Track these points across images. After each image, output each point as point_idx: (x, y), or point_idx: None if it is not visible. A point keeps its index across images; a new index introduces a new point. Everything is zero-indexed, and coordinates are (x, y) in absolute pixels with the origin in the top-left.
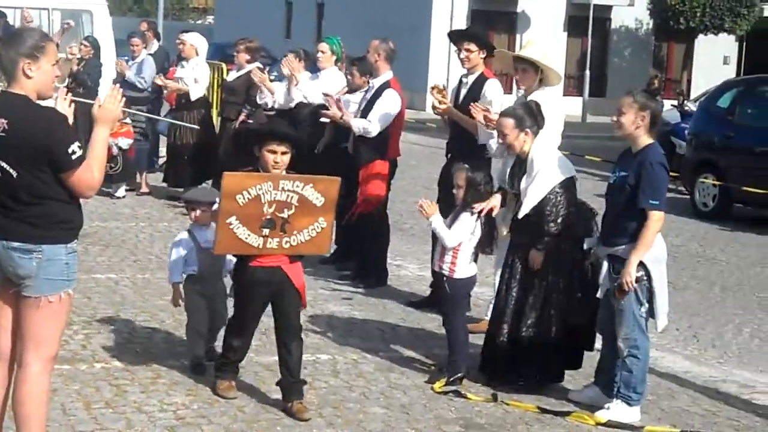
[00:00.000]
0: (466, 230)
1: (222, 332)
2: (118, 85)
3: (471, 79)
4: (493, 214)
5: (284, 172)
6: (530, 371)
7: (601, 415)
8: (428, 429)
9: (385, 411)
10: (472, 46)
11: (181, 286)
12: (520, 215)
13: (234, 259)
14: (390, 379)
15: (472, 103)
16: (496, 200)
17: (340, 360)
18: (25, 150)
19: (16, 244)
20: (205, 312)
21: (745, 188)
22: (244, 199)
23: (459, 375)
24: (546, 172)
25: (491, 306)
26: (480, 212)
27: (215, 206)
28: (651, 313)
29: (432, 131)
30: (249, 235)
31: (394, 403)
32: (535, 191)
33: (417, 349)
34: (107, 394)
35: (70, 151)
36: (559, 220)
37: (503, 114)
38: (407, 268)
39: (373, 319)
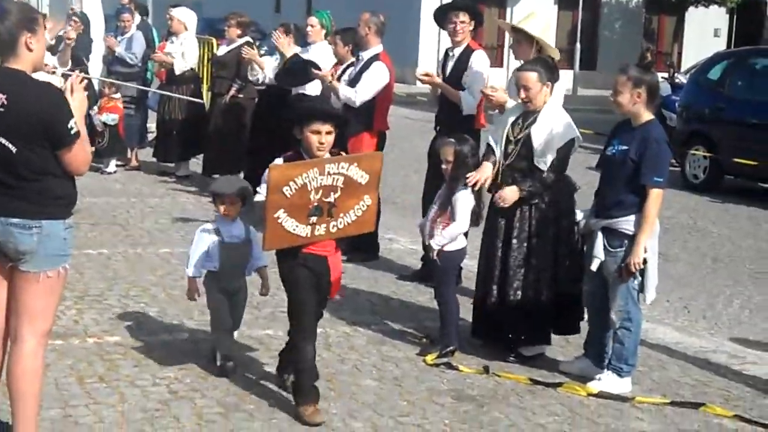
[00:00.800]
0: (468, 207)
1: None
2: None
3: (457, 51)
4: (486, 184)
5: (328, 154)
6: (518, 333)
7: (593, 386)
8: (420, 401)
9: (377, 383)
10: (466, 18)
11: (199, 281)
12: (542, 165)
13: (264, 258)
14: (382, 351)
15: (467, 86)
16: (487, 170)
17: (332, 333)
18: (24, 125)
19: (15, 220)
20: (227, 309)
21: (735, 160)
22: (291, 190)
23: (451, 347)
24: (561, 125)
25: None
26: (474, 185)
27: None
28: (642, 287)
29: (422, 105)
30: (297, 225)
31: (387, 375)
32: (551, 142)
33: (408, 322)
34: (100, 368)
35: (69, 126)
36: (553, 175)
37: (525, 69)
38: (399, 242)
39: (364, 292)
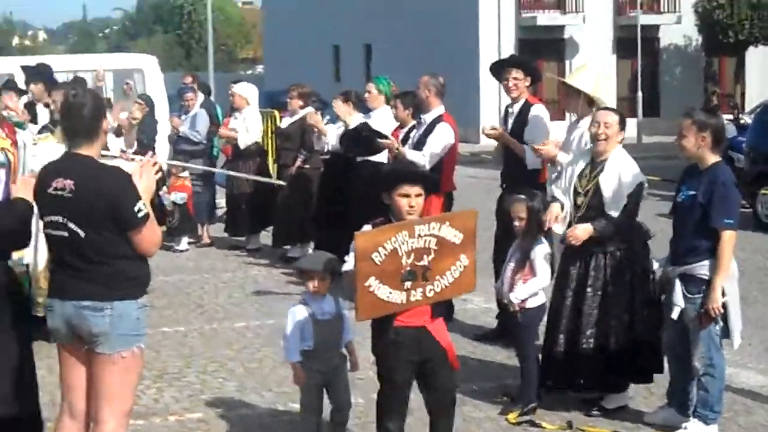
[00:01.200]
0: (548, 260)
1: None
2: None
3: (516, 107)
4: (559, 221)
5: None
6: (591, 380)
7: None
8: None
9: None
10: (519, 74)
11: (299, 364)
12: (613, 212)
13: (351, 332)
14: (464, 412)
15: (528, 141)
16: (556, 209)
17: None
18: (93, 210)
19: (87, 303)
20: (320, 390)
21: None
22: (380, 256)
23: (533, 404)
24: (629, 172)
25: None
26: (549, 230)
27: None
28: (725, 331)
29: (486, 163)
30: (391, 292)
31: None
32: (620, 189)
33: (488, 382)
34: None
35: (136, 209)
36: (629, 218)
37: (608, 110)
38: (473, 302)
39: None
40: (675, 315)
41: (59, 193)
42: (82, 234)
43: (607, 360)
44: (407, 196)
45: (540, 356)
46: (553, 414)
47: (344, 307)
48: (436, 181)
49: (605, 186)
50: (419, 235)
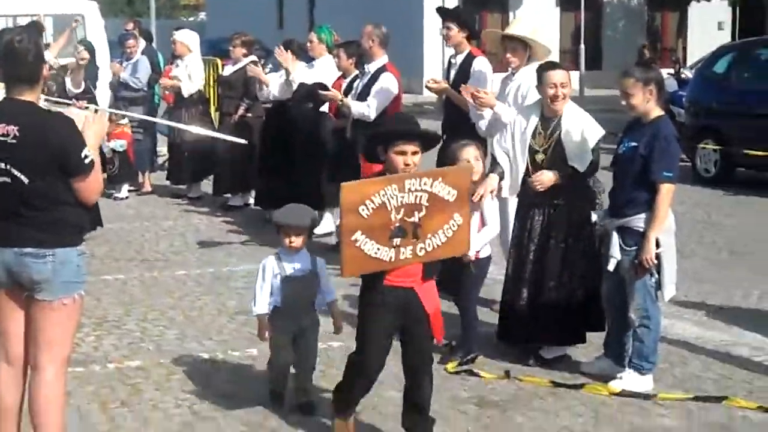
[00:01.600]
0: (497, 210)
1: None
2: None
3: (459, 59)
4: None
5: None
6: (552, 333)
7: (615, 385)
8: (443, 409)
9: (399, 394)
10: (452, 25)
11: (266, 317)
12: (580, 167)
13: (332, 293)
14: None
15: (462, 85)
16: (493, 182)
17: (352, 346)
18: (38, 156)
19: (29, 250)
20: (290, 349)
21: (746, 151)
22: (367, 209)
23: (473, 354)
24: (589, 125)
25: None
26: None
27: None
28: (659, 284)
29: (429, 114)
30: (378, 249)
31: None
32: (585, 143)
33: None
34: (122, 393)
35: (83, 155)
36: (594, 171)
37: (556, 68)
38: None
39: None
40: (611, 267)
41: (2, 139)
42: (25, 180)
43: (567, 312)
44: (403, 153)
45: (499, 310)
46: (492, 363)
47: (321, 265)
48: (436, 137)
49: (567, 142)
50: (410, 190)
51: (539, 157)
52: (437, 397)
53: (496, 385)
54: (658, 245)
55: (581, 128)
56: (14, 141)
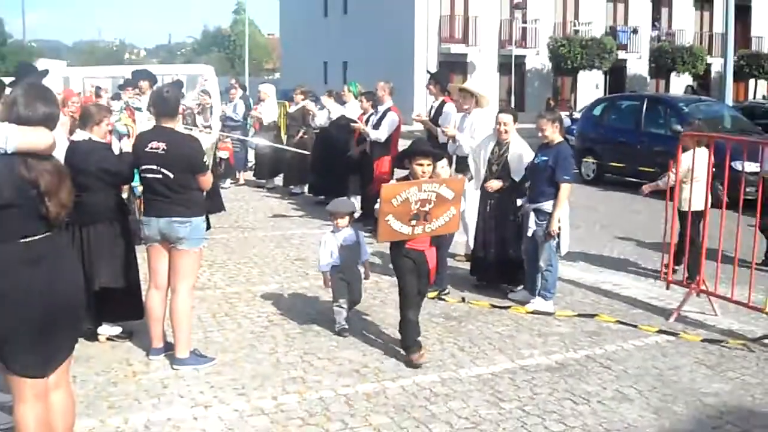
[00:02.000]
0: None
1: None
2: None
3: (436, 104)
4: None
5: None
6: (513, 277)
7: (530, 307)
8: (423, 320)
9: (395, 311)
10: (433, 83)
11: (327, 272)
12: (517, 178)
13: (367, 254)
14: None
15: (441, 125)
16: (444, 173)
17: (366, 282)
18: (178, 161)
19: (176, 219)
20: (345, 292)
21: (611, 164)
22: (397, 201)
23: (444, 287)
24: (526, 152)
25: (468, 243)
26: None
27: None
28: (558, 245)
29: (418, 138)
30: (402, 226)
31: None
32: (521, 163)
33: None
34: (225, 308)
35: (205, 161)
36: (524, 180)
37: (505, 112)
38: None
39: (386, 254)
40: (530, 234)
41: (154, 150)
42: (171, 176)
43: (513, 261)
44: (422, 165)
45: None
46: (454, 293)
47: (362, 236)
48: (441, 155)
49: (512, 162)
50: (425, 190)
51: (494, 167)
52: (421, 315)
53: (456, 306)
54: (559, 222)
55: (520, 154)
56: (164, 152)
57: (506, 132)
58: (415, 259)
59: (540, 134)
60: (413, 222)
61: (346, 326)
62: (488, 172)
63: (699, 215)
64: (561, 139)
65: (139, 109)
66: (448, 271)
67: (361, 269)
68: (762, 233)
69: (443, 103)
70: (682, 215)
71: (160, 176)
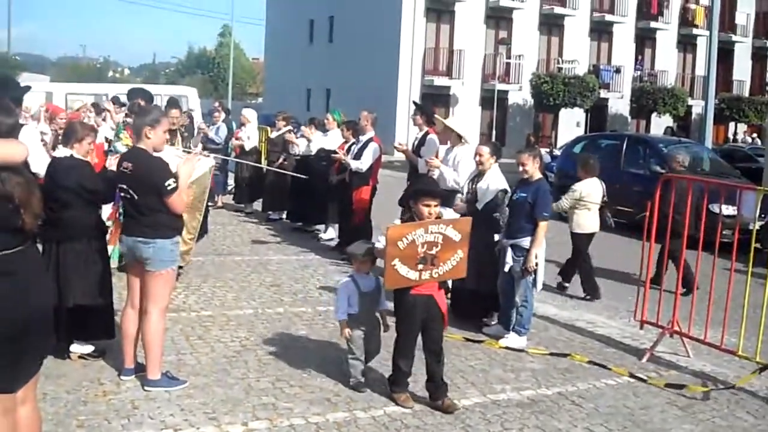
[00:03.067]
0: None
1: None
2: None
3: (420, 135)
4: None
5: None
6: (488, 308)
7: (503, 342)
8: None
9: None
10: (419, 114)
11: (345, 321)
12: (479, 206)
13: (385, 303)
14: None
15: (423, 156)
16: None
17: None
18: (140, 182)
19: (140, 239)
20: (362, 344)
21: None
22: (403, 244)
23: None
24: (493, 183)
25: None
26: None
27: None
28: (535, 281)
29: (396, 167)
30: (409, 271)
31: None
32: (487, 193)
33: (390, 302)
34: (199, 331)
35: (166, 184)
36: (494, 210)
37: (484, 144)
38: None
39: None
40: (506, 269)
41: (124, 170)
42: (136, 196)
43: (488, 295)
44: (428, 206)
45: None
46: None
47: (382, 284)
48: (448, 196)
49: (479, 191)
50: (431, 232)
51: (469, 194)
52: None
53: None
54: (536, 258)
55: (488, 185)
56: (130, 172)
57: (482, 163)
58: (423, 306)
59: (520, 169)
60: (420, 266)
61: (362, 380)
62: (465, 197)
63: (590, 237)
64: (540, 175)
65: None
66: None
67: (378, 317)
68: (672, 260)
69: (427, 133)
70: (575, 237)
71: (128, 196)
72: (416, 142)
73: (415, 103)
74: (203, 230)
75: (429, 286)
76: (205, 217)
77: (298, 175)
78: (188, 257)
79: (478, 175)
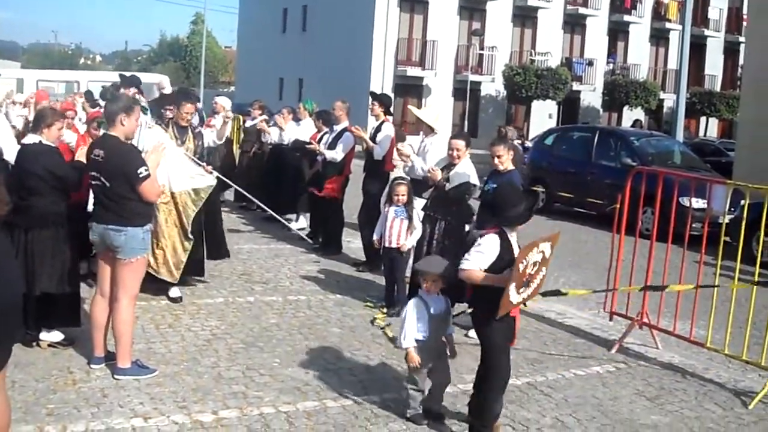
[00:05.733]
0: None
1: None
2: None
3: (377, 123)
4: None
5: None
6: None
7: (472, 333)
8: (367, 341)
9: (340, 330)
10: (376, 104)
11: (412, 348)
12: (448, 188)
13: (452, 327)
14: (343, 311)
15: (378, 143)
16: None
17: (312, 299)
18: (111, 169)
19: (111, 226)
20: (426, 374)
21: (560, 193)
22: (523, 265)
23: (398, 308)
24: (469, 170)
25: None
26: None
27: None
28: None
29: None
30: (516, 295)
31: (346, 325)
32: (459, 177)
33: (359, 291)
34: (169, 319)
35: (138, 172)
36: (460, 199)
37: (458, 137)
38: (354, 243)
39: (332, 273)
40: None
41: (95, 158)
42: (108, 184)
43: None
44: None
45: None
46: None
47: (450, 305)
48: (419, 186)
49: (452, 177)
50: (538, 251)
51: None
52: (363, 334)
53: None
54: None
55: (458, 173)
56: (101, 160)
57: (458, 157)
58: (510, 325)
59: (496, 161)
60: (522, 289)
61: (420, 411)
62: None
63: None
64: (512, 166)
65: (144, 110)
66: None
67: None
68: None
69: (383, 122)
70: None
71: (99, 183)
72: (373, 131)
73: (372, 93)
74: (218, 253)
75: (516, 309)
76: (223, 238)
77: (260, 203)
78: (176, 271)
79: (448, 168)
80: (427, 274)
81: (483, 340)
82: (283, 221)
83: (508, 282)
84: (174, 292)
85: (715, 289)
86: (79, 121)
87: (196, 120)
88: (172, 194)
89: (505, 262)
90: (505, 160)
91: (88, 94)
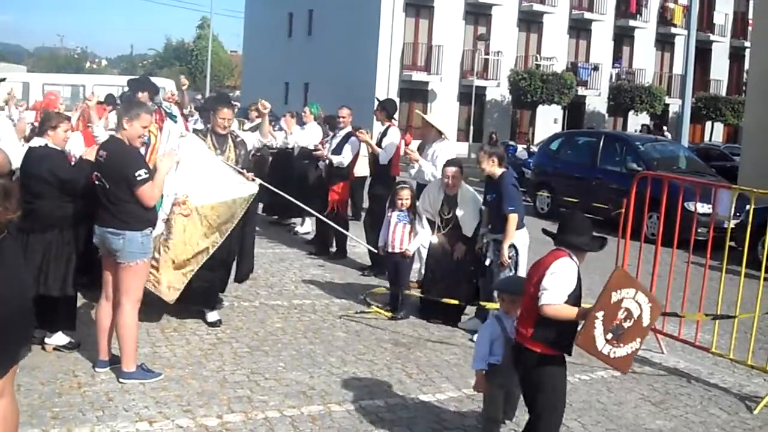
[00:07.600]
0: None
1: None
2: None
3: (383, 128)
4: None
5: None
6: (456, 310)
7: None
8: (371, 345)
9: (345, 334)
10: (379, 109)
11: (483, 372)
12: (468, 234)
13: None
14: (348, 314)
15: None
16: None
17: (317, 303)
18: (111, 172)
19: (110, 230)
20: (501, 402)
21: (565, 198)
22: (616, 297)
23: (402, 314)
24: (474, 207)
25: (420, 271)
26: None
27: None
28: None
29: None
30: (600, 335)
31: (351, 329)
32: (473, 220)
33: (362, 290)
34: (174, 323)
35: (136, 174)
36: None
37: (451, 164)
38: (359, 247)
39: (337, 277)
40: (487, 263)
41: (99, 159)
42: (108, 186)
43: (468, 289)
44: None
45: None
46: (412, 320)
47: None
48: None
49: (462, 220)
50: (635, 300)
51: (446, 221)
52: (368, 338)
53: (405, 333)
54: (517, 252)
55: (470, 209)
56: (104, 161)
57: (453, 185)
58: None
59: (478, 167)
60: (609, 335)
61: None
62: (442, 225)
63: None
64: (503, 170)
65: (172, 117)
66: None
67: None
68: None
69: (388, 127)
70: None
71: (100, 185)
72: (380, 135)
73: (377, 99)
74: (244, 274)
75: None
76: (251, 254)
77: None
78: (173, 290)
79: (448, 201)
80: (506, 294)
81: (541, 381)
82: (315, 213)
83: (592, 311)
84: (212, 316)
85: (720, 293)
86: (97, 127)
87: (200, 124)
88: (196, 208)
89: (576, 296)
90: (487, 167)
91: (110, 97)
